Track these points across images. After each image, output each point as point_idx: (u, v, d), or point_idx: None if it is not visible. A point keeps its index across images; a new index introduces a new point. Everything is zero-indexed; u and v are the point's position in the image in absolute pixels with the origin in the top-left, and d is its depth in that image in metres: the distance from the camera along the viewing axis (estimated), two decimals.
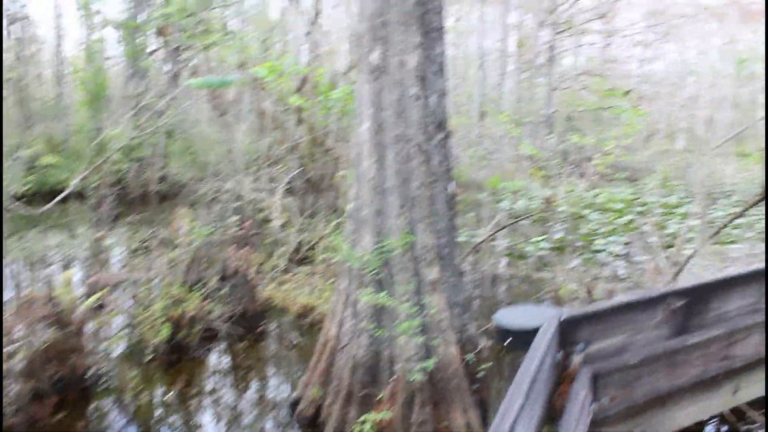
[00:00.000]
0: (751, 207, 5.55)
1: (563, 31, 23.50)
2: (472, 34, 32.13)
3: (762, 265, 3.10)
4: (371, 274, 4.66)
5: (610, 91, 24.10)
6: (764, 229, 12.55)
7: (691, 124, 46.62)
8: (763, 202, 5.37)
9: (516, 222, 12.15)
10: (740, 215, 5.54)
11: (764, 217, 12.57)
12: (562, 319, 3.20)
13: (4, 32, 19.12)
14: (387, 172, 4.73)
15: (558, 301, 5.63)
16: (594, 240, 11.22)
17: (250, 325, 7.28)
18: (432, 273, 4.73)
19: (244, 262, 7.74)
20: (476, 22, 31.96)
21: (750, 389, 3.69)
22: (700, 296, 3.53)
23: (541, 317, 3.19)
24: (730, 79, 50.55)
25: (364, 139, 4.80)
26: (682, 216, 14.01)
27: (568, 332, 3.25)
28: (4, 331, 5.15)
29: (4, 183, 8.98)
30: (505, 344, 3.44)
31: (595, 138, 24.65)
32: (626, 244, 11.06)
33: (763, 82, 46.77)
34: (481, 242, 8.42)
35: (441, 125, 4.88)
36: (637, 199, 17.05)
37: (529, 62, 27.33)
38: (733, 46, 50.32)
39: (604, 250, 10.45)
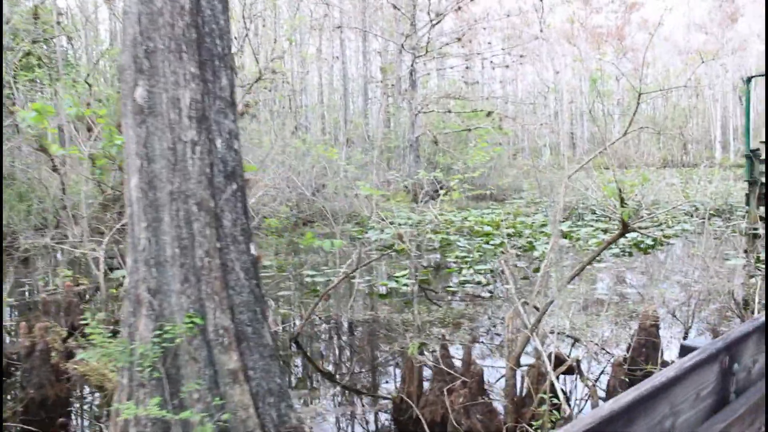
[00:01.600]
0: (612, 242, 4.99)
1: (422, 55, 23.39)
2: (335, 62, 31.67)
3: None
4: (148, 371, 3.63)
5: (474, 113, 24.24)
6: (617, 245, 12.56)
7: (553, 139, 48.60)
8: (623, 234, 4.83)
9: (380, 258, 11.41)
10: (604, 249, 4.97)
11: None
12: None
13: None
14: (164, 239, 3.74)
15: (409, 369, 4.82)
16: (462, 269, 10.64)
17: (48, 417, 5.99)
18: (231, 360, 3.77)
19: (44, 334, 6.43)
20: (338, 50, 31.62)
21: None
22: None
23: None
24: (585, 95, 53.31)
25: (132, 198, 3.79)
26: (549, 235, 13.84)
27: None
28: None
29: None
30: None
31: (455, 160, 24.66)
32: (491, 272, 10.57)
33: (614, 98, 49.50)
34: (334, 285, 7.56)
35: (233, 175, 3.96)
36: (504, 220, 16.85)
37: (393, 87, 27.16)
38: (586, 65, 53.15)
39: (469, 282, 9.88)
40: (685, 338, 6.66)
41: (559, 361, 4.78)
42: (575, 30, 53.21)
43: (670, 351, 6.27)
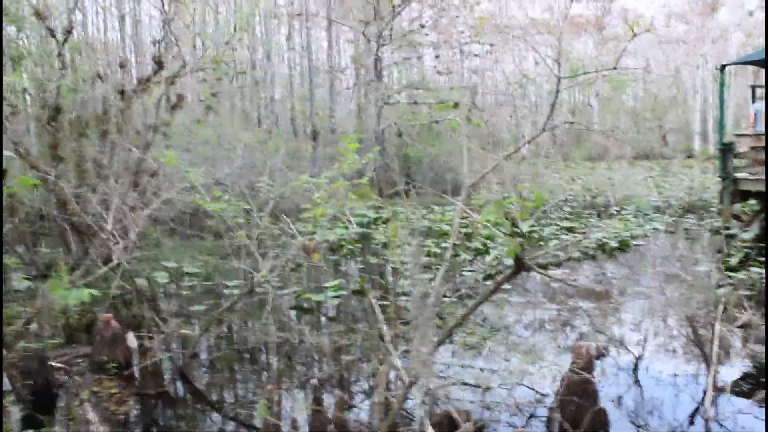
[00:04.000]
0: (503, 283, 3.97)
1: (386, 43, 22.29)
2: (305, 52, 30.38)
3: None
4: None
5: (443, 104, 23.16)
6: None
7: (532, 131, 47.66)
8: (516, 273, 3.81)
9: (297, 267, 10.34)
10: (493, 293, 3.96)
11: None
12: None
13: None
14: None
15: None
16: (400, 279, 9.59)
17: None
18: None
19: None
20: (306, 39, 30.40)
21: None
22: None
23: None
24: (565, 86, 52.43)
25: None
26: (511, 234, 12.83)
27: None
28: None
29: None
30: None
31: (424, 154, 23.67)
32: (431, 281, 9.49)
33: (593, 88, 48.66)
34: (228, 306, 6.51)
35: None
36: (467, 217, 15.80)
37: (361, 77, 26.09)
38: (565, 55, 52.22)
39: (407, 294, 8.83)
40: (635, 370, 5.66)
41: (454, 426, 3.74)
42: (555, 20, 52.29)
43: (615, 387, 5.28)
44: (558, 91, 4.34)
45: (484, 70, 48.20)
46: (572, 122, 7.27)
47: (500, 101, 47.91)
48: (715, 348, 5.39)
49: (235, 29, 24.33)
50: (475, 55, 20.86)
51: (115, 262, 7.06)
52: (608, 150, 39.04)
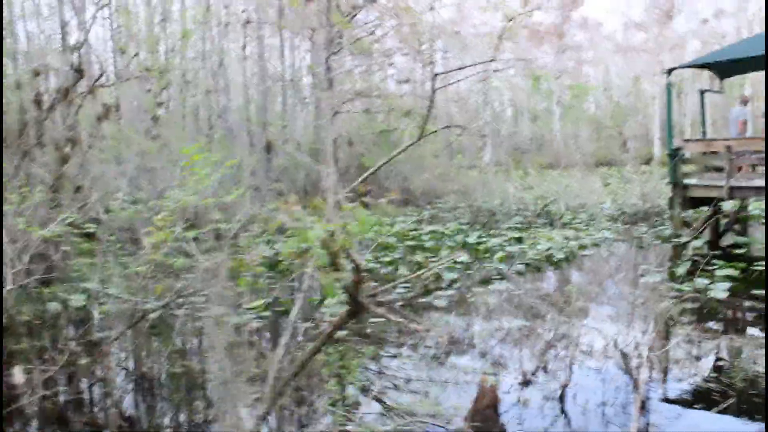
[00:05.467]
0: (340, 327, 3.42)
1: (336, 51, 21.75)
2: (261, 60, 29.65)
3: None
4: None
5: (397, 113, 22.70)
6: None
7: (494, 140, 47.55)
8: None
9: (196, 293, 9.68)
10: (330, 338, 3.40)
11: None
12: None
13: None
14: None
15: None
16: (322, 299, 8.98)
17: None
18: None
19: None
20: (265, 47, 29.74)
21: None
22: None
23: None
24: (526, 94, 52.49)
25: None
26: (451, 249, 12.32)
27: None
28: None
29: None
30: None
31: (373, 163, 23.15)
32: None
33: (555, 96, 48.75)
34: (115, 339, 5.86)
35: None
36: (415, 229, 15.33)
37: (315, 86, 25.51)
38: (527, 64, 52.30)
39: (335, 315, 8.22)
40: (561, 399, 5.14)
41: None
42: (515, 28, 52.34)
43: (539, 419, 4.74)
44: (434, 90, 3.79)
45: (444, 77, 48.06)
46: (449, 126, 6.76)
47: (463, 108, 47.76)
48: (644, 374, 4.90)
49: (183, 36, 23.64)
50: (430, 63, 20.36)
51: (9, 287, 6.37)
52: (569, 157, 39.05)
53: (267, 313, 8.13)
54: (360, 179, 4.20)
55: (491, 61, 5.11)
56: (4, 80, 14.32)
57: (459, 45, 47.62)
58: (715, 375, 5.63)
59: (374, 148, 22.85)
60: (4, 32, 13.97)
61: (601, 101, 58.72)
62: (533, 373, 5.64)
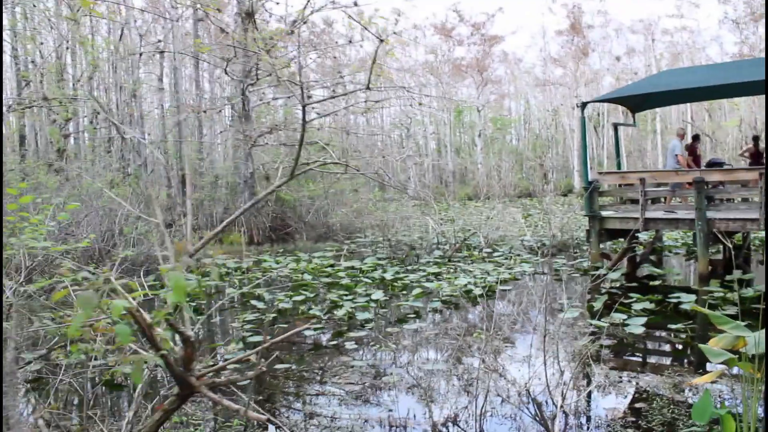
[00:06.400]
0: (174, 409, 2.86)
1: (252, 83, 21.20)
2: (177, 92, 28.70)
3: None
4: None
5: (315, 145, 22.17)
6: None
7: (418, 172, 47.67)
8: None
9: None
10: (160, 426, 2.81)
11: None
12: None
13: None
14: None
15: None
16: (228, 342, 8.31)
17: None
18: None
19: None
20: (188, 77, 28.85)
21: None
22: None
23: None
24: (450, 127, 53.10)
25: None
26: (371, 283, 11.82)
27: None
28: None
29: None
30: None
31: (294, 197, 22.52)
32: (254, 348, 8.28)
33: (478, 129, 49.49)
34: None
35: None
36: (332, 265, 14.77)
37: (233, 118, 24.81)
38: (449, 97, 53.02)
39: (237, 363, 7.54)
40: None
41: None
42: (437, 62, 53.09)
43: None
44: (304, 122, 3.35)
45: (366, 111, 48.04)
46: (326, 162, 6.34)
47: (385, 142, 47.79)
48: (559, 424, 4.49)
49: (91, 64, 22.59)
50: (343, 95, 19.96)
51: None
52: (492, 189, 39.38)
53: None
54: (219, 227, 3.65)
55: (366, 89, 4.72)
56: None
57: (382, 79, 47.86)
58: (633, 419, 5.30)
59: (292, 182, 22.26)
60: None
61: (522, 133, 60.06)
62: (443, 425, 5.17)
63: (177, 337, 2.58)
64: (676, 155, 13.67)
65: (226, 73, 19.77)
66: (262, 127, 19.61)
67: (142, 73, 29.22)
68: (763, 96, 14.64)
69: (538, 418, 4.84)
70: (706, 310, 4.70)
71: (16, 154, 21.90)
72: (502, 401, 5.50)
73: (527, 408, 5.11)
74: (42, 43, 21.66)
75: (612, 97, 14.61)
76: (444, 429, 5.11)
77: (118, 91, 26.41)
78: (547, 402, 5.31)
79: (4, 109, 16.60)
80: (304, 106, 3.40)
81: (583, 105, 13.43)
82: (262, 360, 2.79)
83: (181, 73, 27.10)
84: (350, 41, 23.06)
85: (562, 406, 4.75)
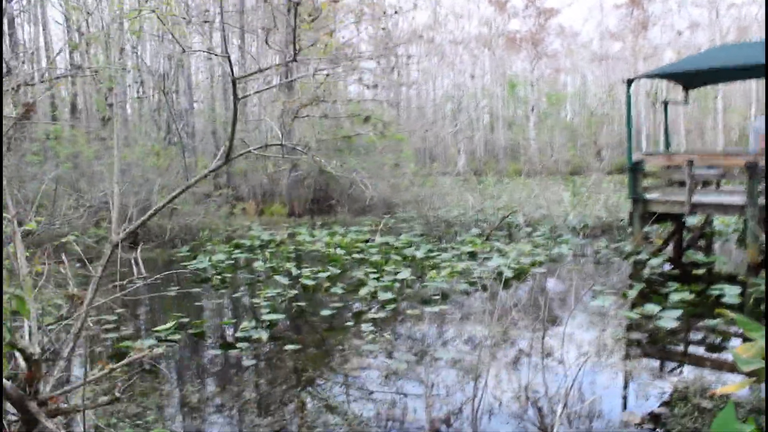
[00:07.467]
0: None
1: (294, 55, 20.87)
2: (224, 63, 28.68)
3: None
4: None
5: (357, 118, 21.87)
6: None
7: (468, 146, 46.95)
8: None
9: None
10: None
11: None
12: None
13: None
14: None
15: None
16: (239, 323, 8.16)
17: None
18: None
19: None
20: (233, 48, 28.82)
21: None
22: None
23: None
24: (503, 101, 51.98)
25: None
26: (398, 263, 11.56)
27: None
28: None
29: None
30: None
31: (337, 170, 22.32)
32: (269, 326, 8.14)
33: (529, 104, 48.31)
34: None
35: None
36: (366, 240, 14.58)
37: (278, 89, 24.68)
38: (503, 71, 51.89)
39: (248, 339, 7.41)
40: None
41: None
42: (491, 35, 51.85)
43: None
44: (236, 98, 3.04)
45: (417, 83, 47.36)
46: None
47: (436, 115, 47.13)
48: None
49: (134, 34, 22.70)
50: (392, 68, 19.58)
51: None
52: (544, 165, 38.49)
53: None
54: (140, 220, 3.39)
55: (292, 61, 4.40)
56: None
57: (434, 51, 47.08)
58: (650, 427, 4.90)
59: (335, 154, 22.03)
60: None
61: (577, 109, 58.32)
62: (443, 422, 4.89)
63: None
64: (760, 135, 12.62)
65: (267, 44, 19.53)
66: (302, 99, 19.38)
67: (195, 42, 29.27)
68: None
69: (538, 425, 4.51)
70: (731, 314, 4.25)
71: (66, 122, 22.27)
72: (508, 400, 5.17)
73: (528, 413, 4.78)
74: (90, 13, 21.82)
75: (660, 73, 13.80)
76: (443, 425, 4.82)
77: (166, 60, 26.56)
78: (549, 406, 4.97)
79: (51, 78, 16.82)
80: (234, 81, 3.07)
81: (629, 81, 12.70)
82: (119, 385, 2.54)
83: (229, 43, 27.09)
84: (395, 12, 22.48)
85: (560, 415, 4.40)
